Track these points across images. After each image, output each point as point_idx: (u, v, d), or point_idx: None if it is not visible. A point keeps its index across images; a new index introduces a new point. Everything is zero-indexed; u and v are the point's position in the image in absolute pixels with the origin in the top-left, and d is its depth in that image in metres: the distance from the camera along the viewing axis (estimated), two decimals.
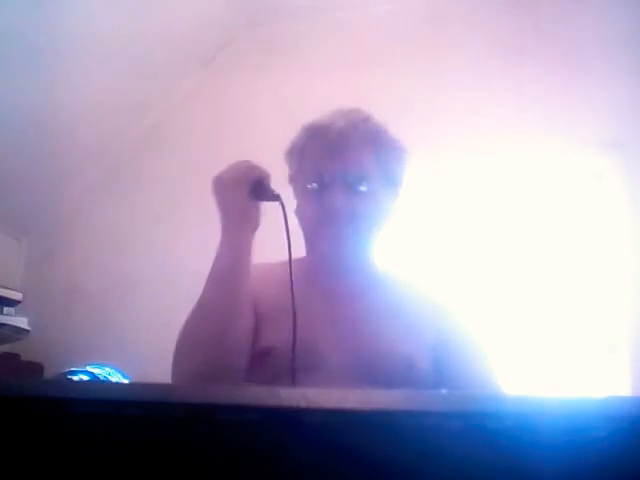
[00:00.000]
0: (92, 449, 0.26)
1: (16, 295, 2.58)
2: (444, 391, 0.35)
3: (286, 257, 1.09)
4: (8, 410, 0.26)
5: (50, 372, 2.48)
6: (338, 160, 1.18)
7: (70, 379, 2.15)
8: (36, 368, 2.63)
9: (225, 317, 1.05)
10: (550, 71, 2.64)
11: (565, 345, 2.45)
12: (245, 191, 1.06)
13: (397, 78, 2.80)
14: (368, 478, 0.26)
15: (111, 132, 2.95)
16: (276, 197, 1.07)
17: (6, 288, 2.56)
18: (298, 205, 1.23)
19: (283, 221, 1.06)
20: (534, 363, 2.40)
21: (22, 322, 2.57)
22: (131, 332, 2.65)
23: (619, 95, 2.52)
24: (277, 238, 1.04)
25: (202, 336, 1.04)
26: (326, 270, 1.22)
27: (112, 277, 2.87)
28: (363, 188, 1.19)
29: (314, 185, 1.19)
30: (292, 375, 1.00)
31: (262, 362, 1.09)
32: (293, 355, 1.02)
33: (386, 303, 1.20)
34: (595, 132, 2.52)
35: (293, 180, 1.27)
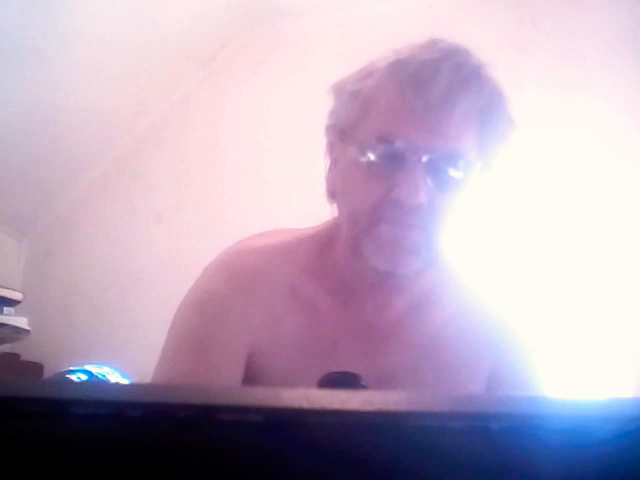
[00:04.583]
0: (91, 450, 0.26)
1: (16, 295, 2.58)
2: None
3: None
4: (8, 410, 0.26)
5: (50, 372, 2.48)
6: (433, 128, 0.79)
7: (70, 379, 2.15)
8: (36, 368, 2.63)
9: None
10: (550, 70, 2.64)
11: (567, 345, 2.45)
12: None
13: None
14: None
15: (111, 132, 2.95)
16: None
17: (6, 288, 2.56)
18: (336, 170, 0.88)
19: None
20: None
21: (22, 322, 2.57)
22: (131, 332, 2.65)
23: (620, 95, 2.51)
24: None
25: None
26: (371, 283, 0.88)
27: (111, 277, 2.87)
28: (457, 174, 0.81)
29: (374, 156, 0.80)
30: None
31: None
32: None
33: (435, 332, 0.92)
34: (595, 132, 2.52)
35: (337, 132, 0.89)
